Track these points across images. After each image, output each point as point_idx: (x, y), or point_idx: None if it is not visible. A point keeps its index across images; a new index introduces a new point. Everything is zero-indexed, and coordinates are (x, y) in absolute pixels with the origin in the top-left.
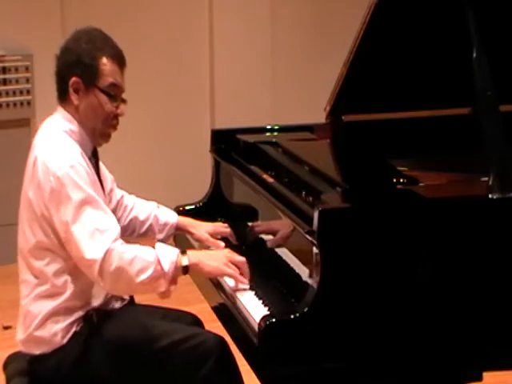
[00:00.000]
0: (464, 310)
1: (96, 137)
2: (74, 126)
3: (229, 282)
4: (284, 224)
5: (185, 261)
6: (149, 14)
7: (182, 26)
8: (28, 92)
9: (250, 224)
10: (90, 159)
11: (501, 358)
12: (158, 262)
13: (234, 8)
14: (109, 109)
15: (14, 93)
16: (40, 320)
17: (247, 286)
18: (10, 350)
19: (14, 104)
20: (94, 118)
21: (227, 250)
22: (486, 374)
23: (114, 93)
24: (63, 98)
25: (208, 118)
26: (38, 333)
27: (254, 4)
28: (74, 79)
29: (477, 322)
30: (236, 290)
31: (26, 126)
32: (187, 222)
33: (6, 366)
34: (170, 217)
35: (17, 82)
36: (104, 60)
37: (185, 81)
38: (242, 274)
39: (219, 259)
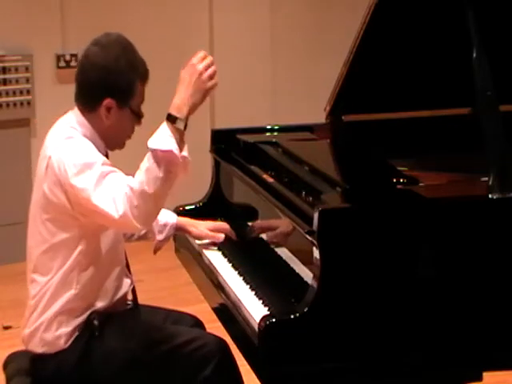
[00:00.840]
0: (464, 310)
1: (115, 146)
2: (88, 131)
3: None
4: (284, 222)
5: (180, 124)
6: (149, 14)
7: (182, 25)
8: (28, 92)
9: (250, 223)
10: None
11: (501, 358)
12: (157, 164)
13: (234, 8)
14: (133, 126)
15: (14, 93)
16: (46, 321)
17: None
18: (10, 349)
19: (14, 104)
20: (120, 133)
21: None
22: (485, 374)
23: (140, 111)
24: (89, 108)
25: (208, 118)
26: (42, 334)
27: (253, 4)
28: (108, 101)
29: (477, 322)
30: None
31: (25, 125)
32: (186, 221)
33: (6, 365)
34: (170, 217)
35: (17, 82)
36: (139, 83)
37: None
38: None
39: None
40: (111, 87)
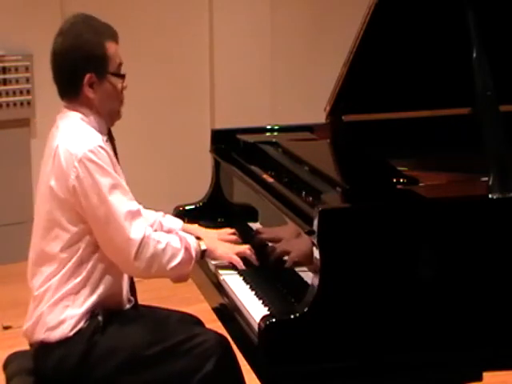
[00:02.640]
0: (464, 309)
1: (113, 118)
2: (87, 115)
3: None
4: (288, 231)
5: (203, 245)
6: (149, 14)
7: (182, 26)
8: (28, 92)
9: (255, 229)
10: (107, 141)
11: (501, 358)
12: (186, 249)
13: (234, 8)
14: (120, 88)
15: (14, 93)
16: (51, 306)
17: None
18: (10, 350)
19: (14, 104)
20: (111, 102)
21: (237, 246)
22: (485, 374)
23: (120, 70)
24: (73, 95)
25: (208, 118)
26: (46, 316)
27: (254, 4)
28: (88, 76)
29: (477, 321)
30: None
31: (25, 126)
32: (193, 230)
33: (6, 365)
34: (175, 224)
35: (17, 82)
36: (108, 44)
37: (185, 81)
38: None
39: (229, 247)
40: (85, 60)
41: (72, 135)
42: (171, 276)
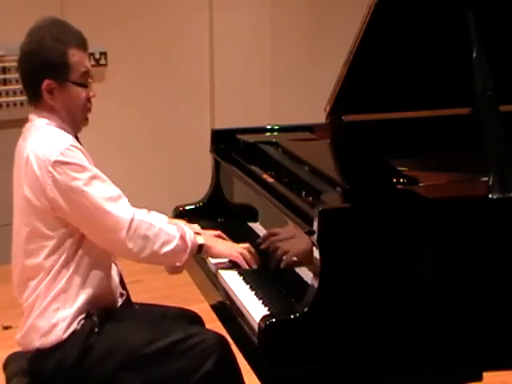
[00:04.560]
0: (464, 309)
1: (78, 125)
2: (52, 120)
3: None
4: (288, 231)
5: (200, 240)
6: (149, 14)
7: (182, 25)
8: None
9: (260, 237)
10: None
11: (501, 358)
12: (182, 237)
13: (234, 7)
14: (84, 97)
15: (14, 93)
16: (41, 310)
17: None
18: (9, 350)
19: (14, 104)
20: (72, 110)
21: (237, 244)
22: (485, 374)
23: (86, 80)
24: (36, 100)
25: (208, 118)
26: (38, 322)
27: (254, 4)
28: (46, 82)
29: (477, 321)
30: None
31: None
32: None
33: (6, 365)
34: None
35: (17, 82)
36: (72, 52)
37: (185, 81)
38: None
39: (229, 245)
40: (43, 67)
41: (41, 141)
42: (165, 262)
